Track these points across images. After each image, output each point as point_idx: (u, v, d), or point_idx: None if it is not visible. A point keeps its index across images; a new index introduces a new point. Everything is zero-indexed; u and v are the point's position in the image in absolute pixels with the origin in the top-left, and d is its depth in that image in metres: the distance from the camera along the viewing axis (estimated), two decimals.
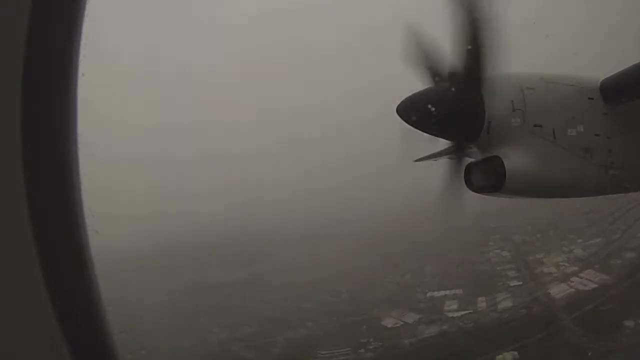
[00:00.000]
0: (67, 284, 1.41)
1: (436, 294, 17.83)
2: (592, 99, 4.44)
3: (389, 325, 16.03)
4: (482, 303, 16.72)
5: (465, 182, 4.70)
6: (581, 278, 17.33)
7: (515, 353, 12.14)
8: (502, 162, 4.17)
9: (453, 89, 4.32)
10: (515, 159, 4.18)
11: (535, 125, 4.24)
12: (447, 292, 17.70)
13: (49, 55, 1.36)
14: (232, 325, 17.16)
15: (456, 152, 4.86)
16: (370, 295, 18.60)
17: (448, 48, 4.22)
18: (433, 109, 4.26)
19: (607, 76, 4.51)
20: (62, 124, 1.41)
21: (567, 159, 4.30)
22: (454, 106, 4.32)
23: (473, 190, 4.66)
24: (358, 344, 14.99)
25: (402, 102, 4.39)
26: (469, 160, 4.85)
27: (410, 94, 4.43)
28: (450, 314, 15.93)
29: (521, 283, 17.82)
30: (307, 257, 22.95)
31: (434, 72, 4.39)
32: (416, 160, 7.03)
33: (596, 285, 16.28)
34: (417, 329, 15.43)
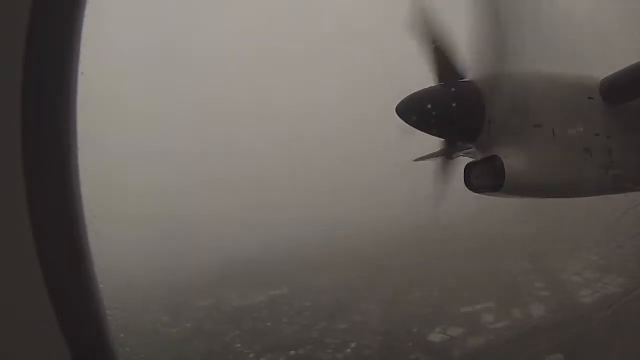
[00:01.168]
0: (67, 284, 1.41)
1: (470, 308, 17.91)
2: (592, 98, 4.44)
3: (437, 341, 16.03)
4: (517, 314, 16.93)
5: (465, 182, 4.70)
6: (604, 283, 17.66)
7: (561, 356, 12.45)
8: (502, 162, 4.17)
9: (453, 89, 4.33)
10: (515, 159, 4.18)
11: (535, 125, 4.25)
12: (480, 306, 17.83)
13: (49, 55, 1.36)
14: (272, 350, 16.64)
15: (448, 151, 4.89)
16: (402, 313, 18.43)
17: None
18: (432, 109, 4.27)
19: (607, 76, 4.51)
20: (62, 124, 1.41)
21: (567, 159, 4.30)
22: (454, 106, 4.32)
23: (472, 191, 4.66)
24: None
25: (402, 102, 4.39)
26: (469, 160, 4.86)
27: (409, 93, 4.43)
28: (491, 326, 16.10)
29: (549, 293, 18.07)
30: (323, 279, 22.55)
31: (445, 67, 4.41)
32: (415, 160, 7.03)
33: (619, 289, 16.60)
34: (465, 342, 15.53)
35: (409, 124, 4.42)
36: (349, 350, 15.68)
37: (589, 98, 4.43)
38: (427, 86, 4.47)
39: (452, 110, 4.32)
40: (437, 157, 5.78)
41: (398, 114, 4.43)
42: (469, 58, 4.31)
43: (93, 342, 1.49)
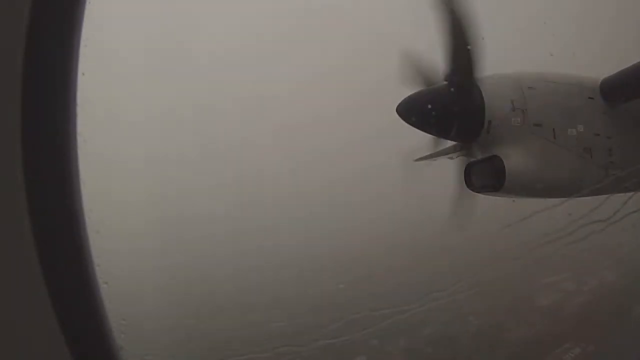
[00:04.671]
0: (67, 284, 1.41)
1: (550, 279, 18.39)
2: (592, 98, 4.44)
3: (544, 304, 16.55)
4: (592, 280, 17.59)
5: (465, 181, 4.72)
6: None
7: None
8: (502, 162, 4.18)
9: (452, 89, 4.34)
10: (515, 159, 4.19)
11: (535, 125, 4.25)
12: (557, 277, 18.32)
13: (49, 55, 1.36)
14: (399, 333, 16.21)
15: (463, 151, 4.88)
16: (486, 291, 18.49)
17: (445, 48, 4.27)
18: (433, 109, 4.28)
19: (607, 76, 4.52)
20: (62, 124, 1.41)
21: (567, 158, 4.31)
22: (454, 106, 4.33)
23: (473, 190, 4.67)
24: (527, 322, 15.41)
25: (402, 102, 4.41)
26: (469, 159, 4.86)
27: (410, 93, 4.45)
28: (582, 288, 16.67)
29: (612, 263, 18.89)
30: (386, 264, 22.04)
31: (427, 81, 4.43)
32: (416, 160, 7.04)
33: None
34: (572, 300, 16.10)
35: (409, 124, 4.43)
36: (476, 323, 15.46)
37: (589, 98, 4.44)
38: (427, 86, 4.48)
39: (452, 110, 4.33)
40: (437, 156, 5.78)
41: (398, 114, 4.45)
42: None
43: (93, 342, 1.49)
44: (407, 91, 4.48)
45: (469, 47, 4.01)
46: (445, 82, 4.40)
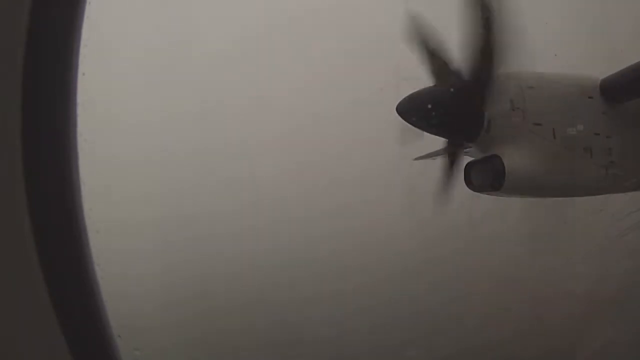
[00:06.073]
0: (67, 284, 1.41)
1: (568, 270, 19.16)
2: (592, 97, 4.44)
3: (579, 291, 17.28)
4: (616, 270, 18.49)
5: (465, 181, 4.71)
6: None
7: None
8: (502, 162, 4.17)
9: (452, 89, 4.34)
10: (515, 158, 4.18)
11: (535, 124, 4.25)
12: (577, 269, 19.20)
13: (49, 55, 1.36)
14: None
15: (451, 150, 4.89)
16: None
17: (452, 45, 4.28)
18: (433, 108, 4.28)
19: (607, 75, 4.52)
20: (62, 124, 1.42)
21: (567, 158, 4.30)
22: (454, 105, 4.33)
23: (472, 190, 4.67)
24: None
25: (402, 102, 4.41)
26: (468, 159, 4.86)
27: (410, 93, 4.45)
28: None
29: None
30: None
31: (440, 69, 4.40)
32: (416, 159, 7.04)
33: None
34: (599, 286, 16.91)
35: (409, 124, 4.44)
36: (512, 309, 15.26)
37: (589, 97, 4.43)
38: (427, 86, 4.48)
39: (451, 110, 4.33)
40: (437, 156, 5.78)
41: (398, 114, 4.45)
42: (464, 59, 4.31)
43: (93, 342, 1.50)
44: (408, 91, 4.49)
45: (486, 47, 4.03)
46: (444, 82, 4.40)
